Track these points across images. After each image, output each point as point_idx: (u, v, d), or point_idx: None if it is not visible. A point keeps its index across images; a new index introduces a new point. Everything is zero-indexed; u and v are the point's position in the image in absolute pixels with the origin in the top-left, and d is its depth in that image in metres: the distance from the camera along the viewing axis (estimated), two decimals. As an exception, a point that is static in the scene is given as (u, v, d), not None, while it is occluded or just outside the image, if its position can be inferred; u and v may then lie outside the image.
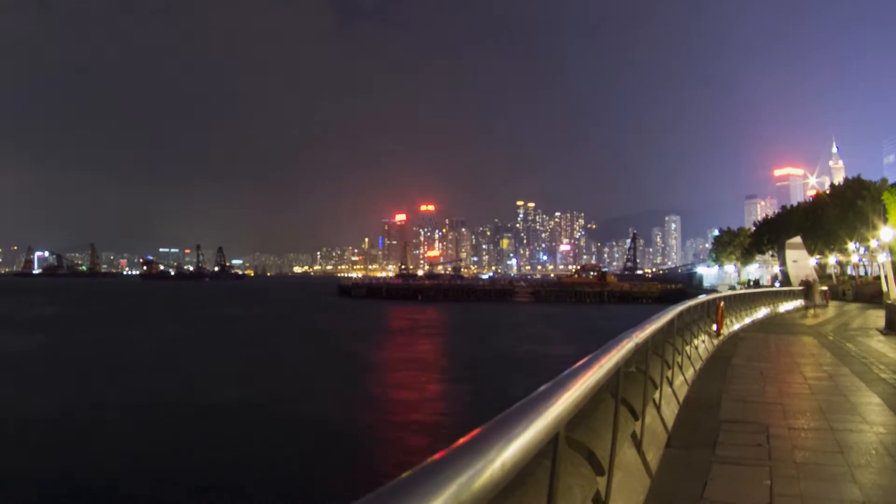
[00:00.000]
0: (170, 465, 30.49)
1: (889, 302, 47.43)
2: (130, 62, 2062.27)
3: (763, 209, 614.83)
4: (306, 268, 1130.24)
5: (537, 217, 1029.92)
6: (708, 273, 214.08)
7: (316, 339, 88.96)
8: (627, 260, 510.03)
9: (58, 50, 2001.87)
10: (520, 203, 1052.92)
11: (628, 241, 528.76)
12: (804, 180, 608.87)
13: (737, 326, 39.34)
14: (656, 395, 12.83)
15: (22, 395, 47.88)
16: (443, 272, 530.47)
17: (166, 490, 26.99)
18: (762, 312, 53.67)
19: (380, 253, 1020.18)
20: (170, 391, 48.30)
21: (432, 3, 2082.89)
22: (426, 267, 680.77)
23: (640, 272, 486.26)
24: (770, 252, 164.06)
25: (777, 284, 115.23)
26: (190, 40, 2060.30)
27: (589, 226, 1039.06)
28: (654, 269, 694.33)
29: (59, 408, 42.76)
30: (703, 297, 28.82)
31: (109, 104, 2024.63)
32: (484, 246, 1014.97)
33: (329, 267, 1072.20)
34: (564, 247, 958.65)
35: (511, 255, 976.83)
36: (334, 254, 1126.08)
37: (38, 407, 42.80)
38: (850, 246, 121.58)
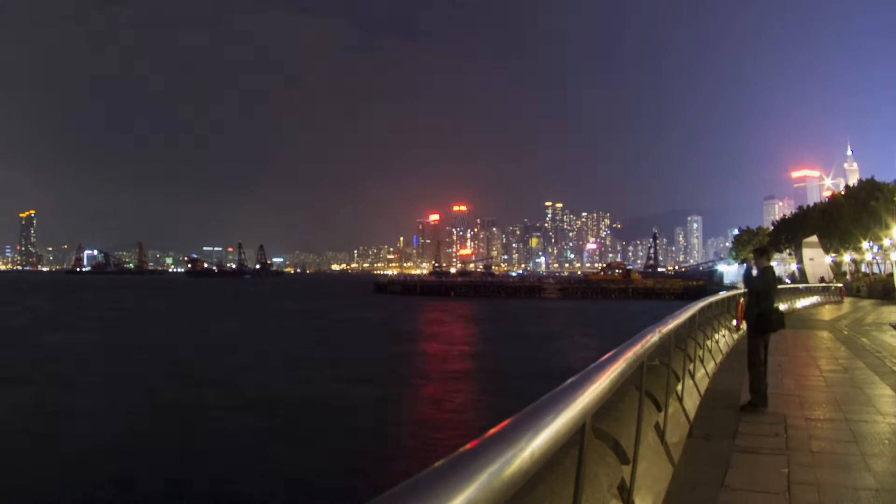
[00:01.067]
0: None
1: None
2: (181, 70, 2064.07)
3: (781, 209, 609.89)
4: (344, 265, 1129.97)
5: (565, 217, 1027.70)
6: (728, 270, 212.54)
7: (365, 332, 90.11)
8: (649, 258, 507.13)
9: (106, 58, 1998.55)
10: (548, 204, 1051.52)
11: (652, 239, 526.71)
12: (820, 182, 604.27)
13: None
14: (679, 388, 12.82)
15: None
16: (474, 270, 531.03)
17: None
18: (781, 308, 53.21)
19: (414, 251, 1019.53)
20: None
21: (459, 12, 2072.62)
22: (458, 265, 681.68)
23: (662, 269, 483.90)
24: (788, 250, 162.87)
25: (788, 281, 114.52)
26: (222, 46, 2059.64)
27: (614, 225, 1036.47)
28: (676, 267, 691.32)
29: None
30: (723, 294, 28.65)
31: (160, 110, 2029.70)
32: (514, 245, 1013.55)
33: (366, 265, 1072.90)
34: (591, 245, 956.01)
35: (540, 253, 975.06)
36: (371, 252, 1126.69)
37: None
38: (864, 245, 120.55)
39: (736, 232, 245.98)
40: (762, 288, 17.14)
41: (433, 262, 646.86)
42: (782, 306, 54.29)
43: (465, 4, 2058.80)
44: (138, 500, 25.38)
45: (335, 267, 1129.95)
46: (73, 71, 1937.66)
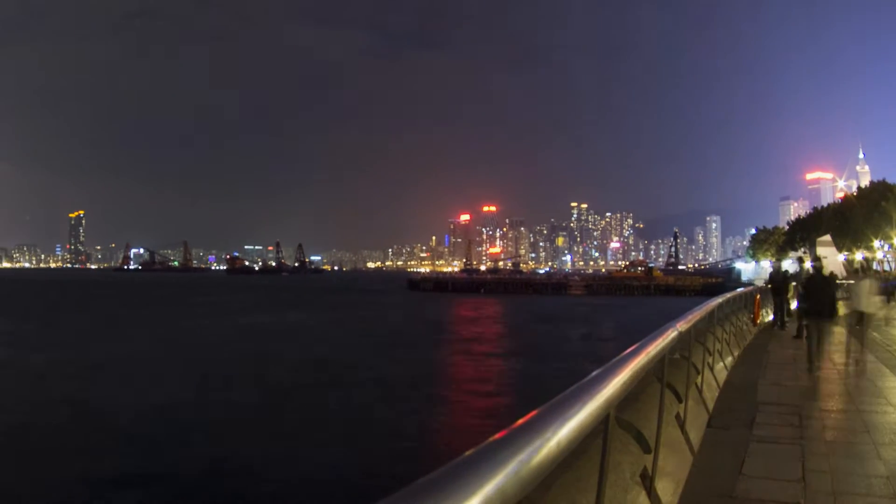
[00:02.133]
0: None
1: None
2: (226, 80, 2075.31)
3: (796, 210, 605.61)
4: (379, 263, 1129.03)
5: (590, 217, 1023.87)
6: (745, 268, 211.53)
7: (403, 324, 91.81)
8: (670, 256, 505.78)
9: (149, 69, 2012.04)
10: (574, 204, 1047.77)
11: (672, 238, 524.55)
12: (833, 183, 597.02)
13: (772, 317, 38.96)
14: (698, 380, 12.81)
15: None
16: (503, 267, 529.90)
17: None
18: (795, 304, 52.99)
19: (446, 250, 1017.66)
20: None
21: (486, 22, 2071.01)
22: (488, 262, 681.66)
23: (682, 267, 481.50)
24: (802, 249, 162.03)
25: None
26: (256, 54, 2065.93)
27: (637, 225, 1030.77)
28: (696, 265, 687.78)
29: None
30: (740, 290, 28.61)
31: (202, 117, 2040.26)
32: (541, 243, 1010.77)
33: (399, 262, 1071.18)
34: (614, 244, 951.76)
35: (566, 251, 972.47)
36: (404, 250, 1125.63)
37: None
38: (875, 243, 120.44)
39: (753, 231, 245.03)
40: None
41: (464, 260, 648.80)
42: (794, 303, 54.25)
43: (491, 15, 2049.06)
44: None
45: (370, 265, 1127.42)
46: (120, 82, 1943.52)
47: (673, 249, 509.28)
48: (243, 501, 23.38)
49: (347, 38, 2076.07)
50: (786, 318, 33.61)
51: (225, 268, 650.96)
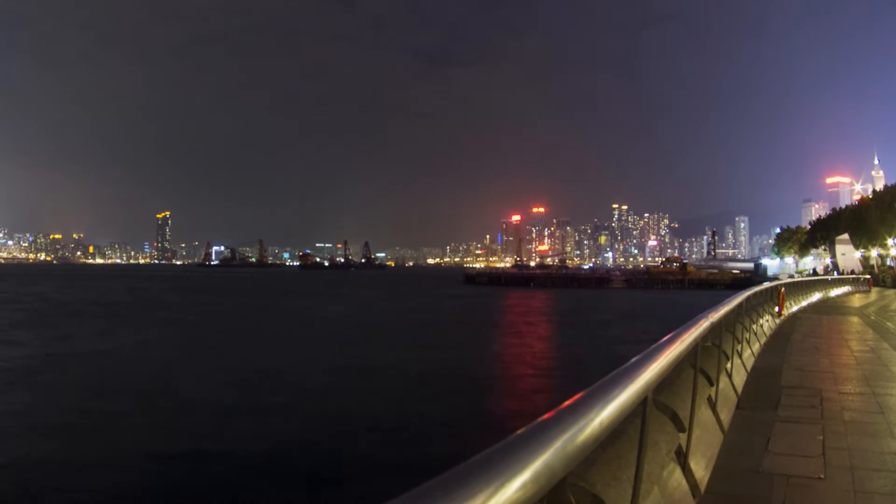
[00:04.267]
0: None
1: None
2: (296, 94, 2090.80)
3: (817, 211, 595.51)
4: (438, 259, 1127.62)
5: (629, 217, 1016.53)
6: (771, 264, 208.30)
7: (465, 312, 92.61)
8: (710, 253, 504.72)
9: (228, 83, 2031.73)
10: (615, 206, 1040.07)
11: (705, 237, 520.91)
12: (851, 187, 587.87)
13: (795, 308, 38.47)
14: (728, 366, 12.81)
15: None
16: (551, 263, 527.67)
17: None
18: (816, 297, 52.53)
19: (499, 247, 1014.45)
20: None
21: (530, 28, 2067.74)
22: (537, 259, 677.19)
23: (712, 261, 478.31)
24: (822, 247, 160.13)
25: (837, 273, 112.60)
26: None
27: (672, 225, 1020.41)
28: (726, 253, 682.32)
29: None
30: (767, 284, 28.36)
31: (278, 127, 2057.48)
32: (585, 242, 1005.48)
33: (457, 259, 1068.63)
34: (652, 242, 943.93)
35: (608, 249, 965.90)
36: (461, 248, 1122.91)
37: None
38: (889, 241, 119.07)
39: (778, 230, 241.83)
40: None
41: (515, 257, 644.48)
42: (818, 295, 53.75)
43: (539, 26, 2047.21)
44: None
45: (430, 261, 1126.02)
46: (199, 102, 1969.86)
47: (711, 247, 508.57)
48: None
49: (393, 56, 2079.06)
50: None
51: (298, 264, 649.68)
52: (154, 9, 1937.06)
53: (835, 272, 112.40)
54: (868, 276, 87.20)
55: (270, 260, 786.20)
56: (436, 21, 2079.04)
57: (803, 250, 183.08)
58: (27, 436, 26.77)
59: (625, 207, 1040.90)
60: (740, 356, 15.32)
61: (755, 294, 20.88)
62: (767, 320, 25.85)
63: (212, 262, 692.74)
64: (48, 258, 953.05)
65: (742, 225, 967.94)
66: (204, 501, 20.07)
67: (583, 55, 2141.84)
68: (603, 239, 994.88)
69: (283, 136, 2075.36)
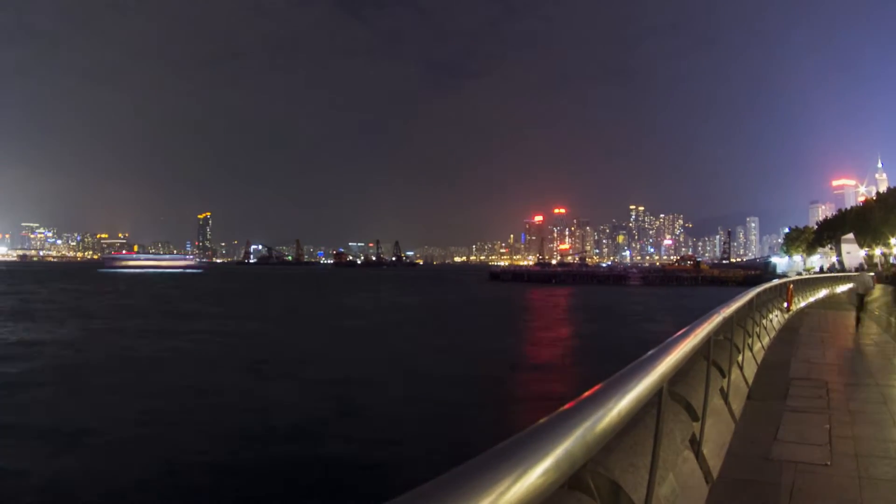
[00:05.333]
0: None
1: None
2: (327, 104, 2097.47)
3: (823, 212, 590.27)
4: (464, 258, 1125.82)
5: (646, 218, 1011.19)
6: (780, 262, 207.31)
7: (494, 306, 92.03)
8: (723, 252, 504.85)
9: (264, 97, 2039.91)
10: (632, 207, 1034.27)
11: (717, 236, 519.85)
12: (856, 189, 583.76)
13: (803, 304, 38.27)
14: (739, 358, 12.80)
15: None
16: (571, 261, 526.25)
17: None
18: (823, 293, 52.30)
19: (522, 246, 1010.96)
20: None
21: (552, 37, 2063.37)
22: (558, 257, 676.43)
23: (725, 262, 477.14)
24: (829, 246, 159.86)
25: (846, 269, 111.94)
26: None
27: (686, 225, 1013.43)
28: (737, 259, 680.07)
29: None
30: (776, 281, 28.30)
31: (310, 132, 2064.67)
32: (604, 241, 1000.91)
33: (482, 257, 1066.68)
34: (667, 241, 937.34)
35: (625, 248, 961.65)
36: (486, 246, 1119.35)
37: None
38: (892, 241, 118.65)
39: (786, 230, 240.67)
40: None
41: (538, 255, 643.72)
42: (825, 291, 53.41)
43: (554, 26, 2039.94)
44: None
45: (457, 259, 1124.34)
46: (237, 110, 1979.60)
47: (725, 246, 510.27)
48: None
49: (407, 69, 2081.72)
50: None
51: (332, 262, 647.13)
52: (185, 24, 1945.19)
53: (853, 269, 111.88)
54: (872, 274, 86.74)
55: (306, 258, 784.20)
56: (451, 35, 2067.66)
57: (811, 249, 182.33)
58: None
59: (641, 208, 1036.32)
60: (751, 349, 15.26)
61: (765, 290, 20.79)
62: (777, 315, 25.74)
63: (250, 261, 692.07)
64: (94, 256, 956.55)
65: (752, 225, 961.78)
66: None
67: (599, 64, 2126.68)
68: (621, 238, 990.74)
69: (314, 143, 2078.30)
